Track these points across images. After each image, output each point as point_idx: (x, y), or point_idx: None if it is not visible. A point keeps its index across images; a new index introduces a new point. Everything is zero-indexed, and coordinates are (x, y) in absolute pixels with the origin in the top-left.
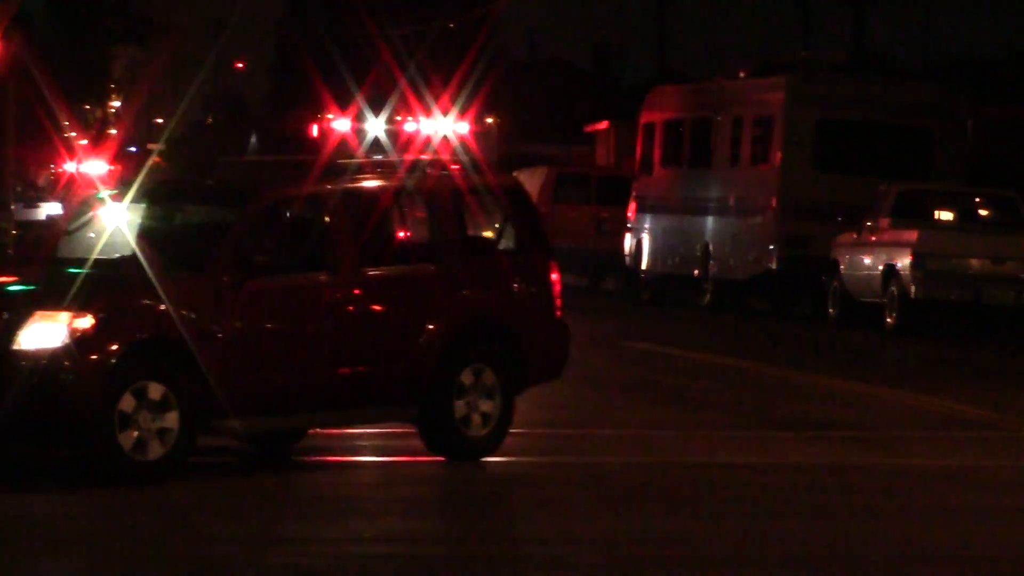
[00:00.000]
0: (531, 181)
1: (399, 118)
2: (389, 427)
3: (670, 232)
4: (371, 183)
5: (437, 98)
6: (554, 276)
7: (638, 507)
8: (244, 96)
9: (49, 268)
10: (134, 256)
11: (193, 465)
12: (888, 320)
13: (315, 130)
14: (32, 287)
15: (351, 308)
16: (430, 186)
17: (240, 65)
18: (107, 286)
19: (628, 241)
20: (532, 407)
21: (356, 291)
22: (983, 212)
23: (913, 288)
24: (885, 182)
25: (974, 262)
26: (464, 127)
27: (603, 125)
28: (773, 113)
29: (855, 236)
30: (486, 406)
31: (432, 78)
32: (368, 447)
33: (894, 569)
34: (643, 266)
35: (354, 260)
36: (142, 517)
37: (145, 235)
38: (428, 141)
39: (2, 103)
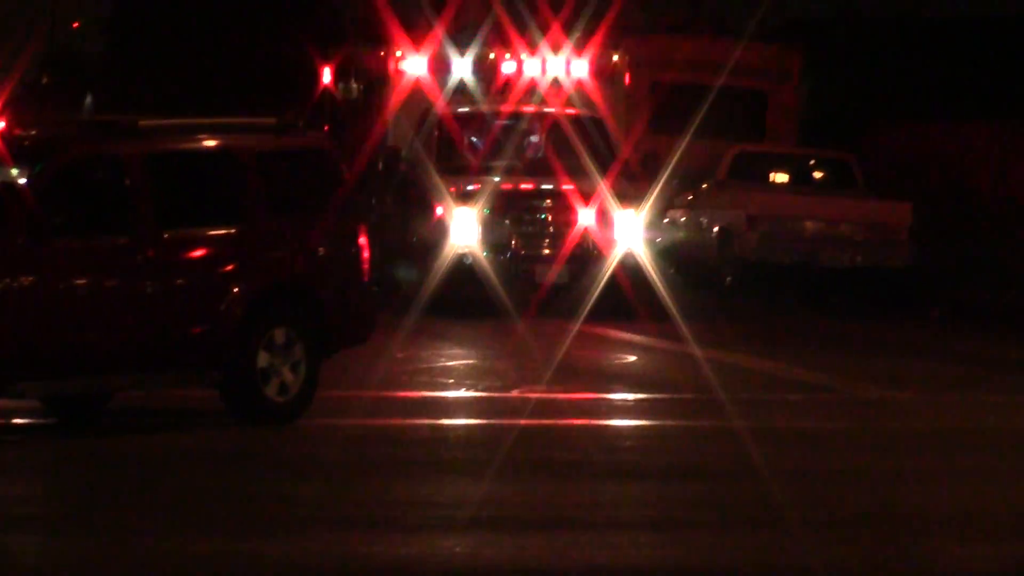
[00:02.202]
0: None
1: (493, 55)
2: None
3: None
4: (171, 145)
5: (544, 27)
6: (362, 240)
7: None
8: (81, 55)
9: None
10: None
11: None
12: (725, 282)
13: (392, 67)
14: None
15: (149, 271)
16: (231, 148)
17: (76, 24)
18: None
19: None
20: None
21: (152, 253)
22: (818, 174)
23: (748, 250)
24: (721, 144)
25: (809, 224)
26: (583, 67)
27: None
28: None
29: (690, 198)
30: (287, 372)
31: None
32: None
33: (754, 530)
34: None
35: (152, 222)
36: None
37: None
38: (533, 86)
39: None
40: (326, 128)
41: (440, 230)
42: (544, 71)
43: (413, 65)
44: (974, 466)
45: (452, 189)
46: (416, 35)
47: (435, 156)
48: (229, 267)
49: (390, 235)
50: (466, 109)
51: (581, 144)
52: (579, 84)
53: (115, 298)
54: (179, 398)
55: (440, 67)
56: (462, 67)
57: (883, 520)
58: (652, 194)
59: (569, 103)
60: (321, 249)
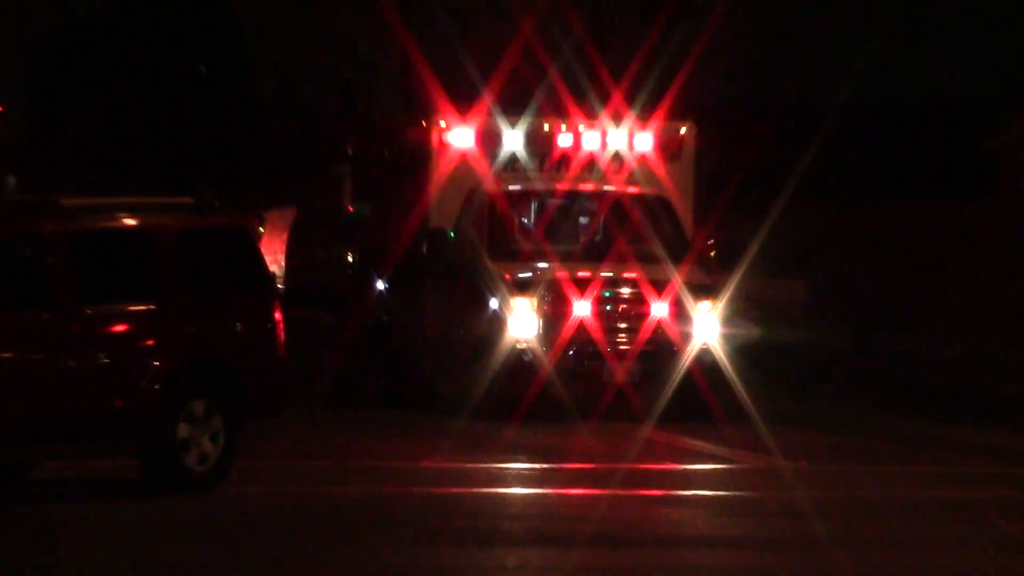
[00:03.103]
0: None
1: (548, 127)
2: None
3: None
4: (91, 224)
5: (604, 95)
6: (277, 316)
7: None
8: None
9: None
10: None
11: None
12: None
13: (436, 139)
14: None
15: (71, 345)
16: (150, 227)
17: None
18: None
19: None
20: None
21: (74, 328)
22: None
23: None
24: None
25: None
26: (647, 140)
27: None
28: None
29: None
30: (206, 443)
31: (598, 63)
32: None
33: None
34: None
35: (73, 299)
36: None
37: None
38: (592, 160)
39: None
40: (350, 208)
41: (496, 323)
42: (604, 145)
43: (459, 137)
44: (873, 534)
45: (507, 277)
46: (462, 103)
47: (486, 240)
48: (148, 342)
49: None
50: (518, 187)
51: (647, 227)
52: (643, 159)
53: (38, 371)
54: (102, 467)
55: (489, 140)
56: (513, 140)
57: None
58: (731, 284)
59: (632, 180)
60: (238, 325)
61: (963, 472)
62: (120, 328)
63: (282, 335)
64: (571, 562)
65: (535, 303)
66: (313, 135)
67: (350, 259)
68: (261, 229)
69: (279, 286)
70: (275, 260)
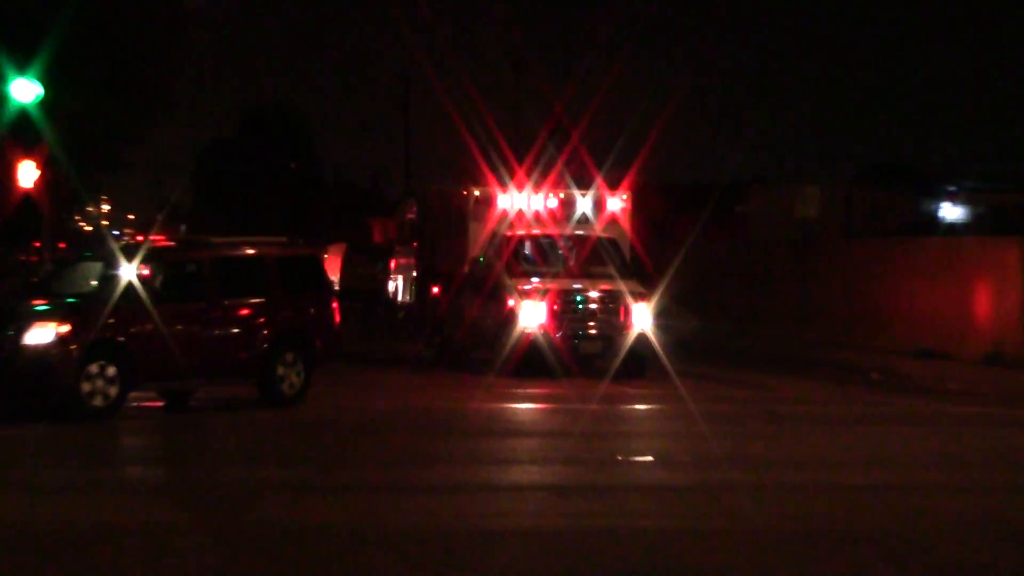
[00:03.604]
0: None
1: (542, 194)
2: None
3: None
4: (228, 252)
5: (578, 174)
6: (334, 305)
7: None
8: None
9: (48, 299)
10: (96, 291)
11: (125, 410)
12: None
13: (466, 204)
14: (39, 309)
15: (216, 322)
16: (262, 254)
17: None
18: (76, 309)
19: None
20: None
21: (218, 312)
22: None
23: None
24: None
25: None
26: (614, 203)
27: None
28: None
29: None
30: (294, 376)
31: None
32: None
33: None
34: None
35: (217, 295)
36: (99, 432)
37: (103, 280)
38: (569, 215)
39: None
40: (415, 244)
41: (512, 316)
42: (574, 207)
43: (487, 199)
44: None
45: (519, 287)
46: (492, 179)
47: (504, 264)
48: (261, 320)
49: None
50: (522, 232)
51: (603, 256)
52: (611, 216)
53: (198, 338)
54: (232, 393)
55: (509, 202)
56: (521, 201)
57: None
58: (656, 293)
59: (593, 228)
60: (311, 309)
61: (740, 396)
62: (245, 312)
63: (337, 315)
64: (529, 446)
65: (536, 303)
66: (351, 203)
67: (377, 272)
68: (325, 255)
69: (335, 288)
70: (333, 273)
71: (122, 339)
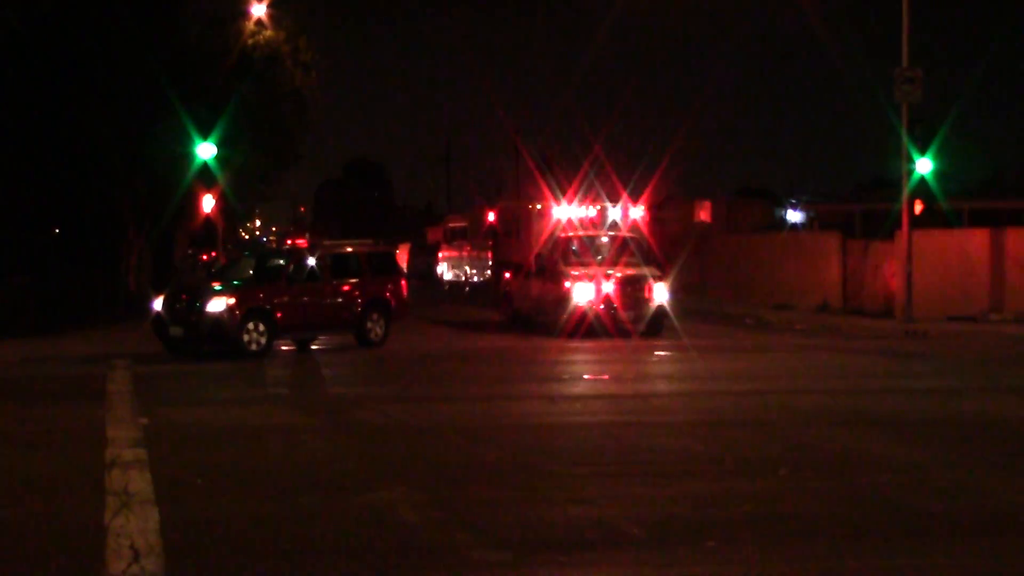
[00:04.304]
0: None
1: (586, 206)
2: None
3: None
4: (336, 250)
5: (609, 192)
6: (403, 283)
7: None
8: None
9: (221, 282)
10: (252, 277)
11: (275, 353)
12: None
13: (530, 215)
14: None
15: (328, 294)
16: (357, 251)
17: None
18: (239, 288)
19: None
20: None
21: (329, 288)
22: None
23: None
24: None
25: None
26: (635, 212)
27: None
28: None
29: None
30: (378, 328)
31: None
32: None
33: None
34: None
35: (329, 277)
36: (254, 367)
37: (259, 269)
38: (604, 220)
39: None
40: (490, 243)
41: (568, 294)
42: (607, 215)
43: (556, 212)
44: None
45: (572, 273)
46: (554, 197)
47: (560, 257)
48: (357, 293)
49: None
50: (572, 234)
51: (633, 251)
52: (634, 222)
53: (315, 306)
54: (338, 341)
55: (561, 212)
56: (568, 212)
57: None
58: (670, 276)
59: (623, 230)
60: (389, 285)
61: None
62: (346, 288)
63: (405, 290)
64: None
65: (585, 285)
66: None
67: (431, 261)
68: (398, 251)
69: (404, 271)
70: (403, 262)
71: (268, 307)
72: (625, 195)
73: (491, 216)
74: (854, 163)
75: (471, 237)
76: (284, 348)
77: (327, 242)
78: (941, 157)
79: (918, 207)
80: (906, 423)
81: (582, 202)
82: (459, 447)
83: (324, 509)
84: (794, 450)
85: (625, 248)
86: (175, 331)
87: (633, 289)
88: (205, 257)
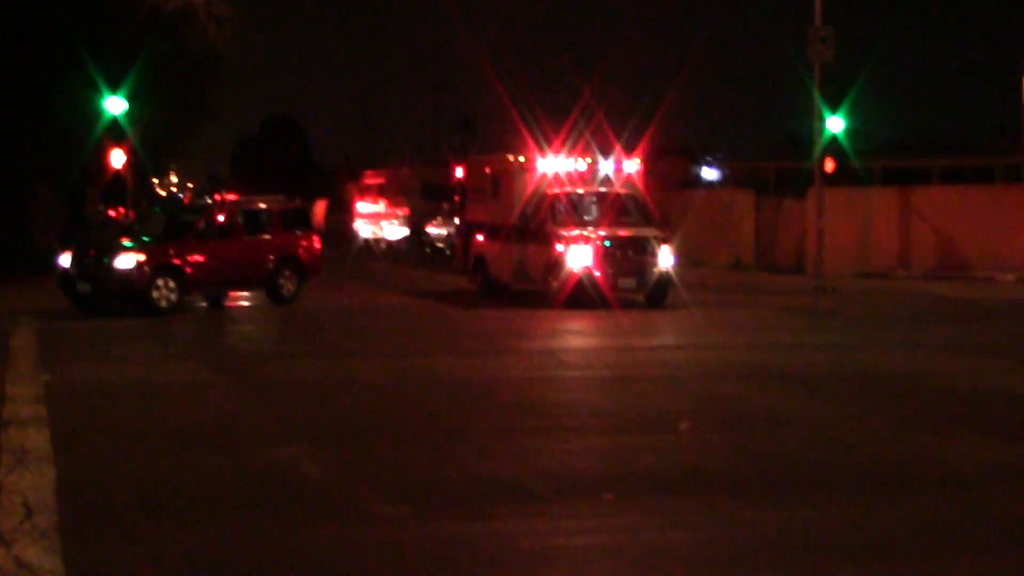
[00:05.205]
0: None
1: (577, 159)
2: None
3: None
4: (249, 205)
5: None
6: (316, 239)
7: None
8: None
9: (131, 238)
10: (162, 233)
11: (186, 309)
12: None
13: (508, 169)
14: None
15: (243, 251)
16: (270, 206)
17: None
18: (148, 244)
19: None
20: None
21: (242, 243)
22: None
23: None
24: None
25: None
26: (629, 165)
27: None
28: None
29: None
30: (290, 285)
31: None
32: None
33: None
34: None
35: (243, 233)
36: (163, 324)
37: (164, 224)
38: (595, 175)
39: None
40: (456, 198)
41: (560, 259)
42: (600, 168)
43: (541, 165)
44: None
45: (565, 235)
46: (540, 148)
47: (549, 217)
48: (268, 250)
49: None
50: (563, 190)
51: (628, 208)
52: (628, 176)
53: (226, 260)
54: (249, 296)
55: (545, 166)
56: (555, 166)
57: None
58: (674, 239)
59: (618, 185)
60: (302, 242)
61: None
62: (258, 245)
63: (318, 247)
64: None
65: (581, 248)
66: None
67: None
68: (314, 207)
69: (319, 229)
70: (319, 219)
71: (178, 263)
72: (618, 146)
73: (459, 171)
74: (770, 121)
75: (389, 193)
76: (198, 305)
77: (243, 198)
78: (853, 115)
79: (830, 165)
80: (811, 378)
81: (569, 154)
82: (367, 404)
83: (226, 466)
84: (699, 405)
85: (621, 206)
86: (83, 287)
87: (635, 252)
88: (113, 214)
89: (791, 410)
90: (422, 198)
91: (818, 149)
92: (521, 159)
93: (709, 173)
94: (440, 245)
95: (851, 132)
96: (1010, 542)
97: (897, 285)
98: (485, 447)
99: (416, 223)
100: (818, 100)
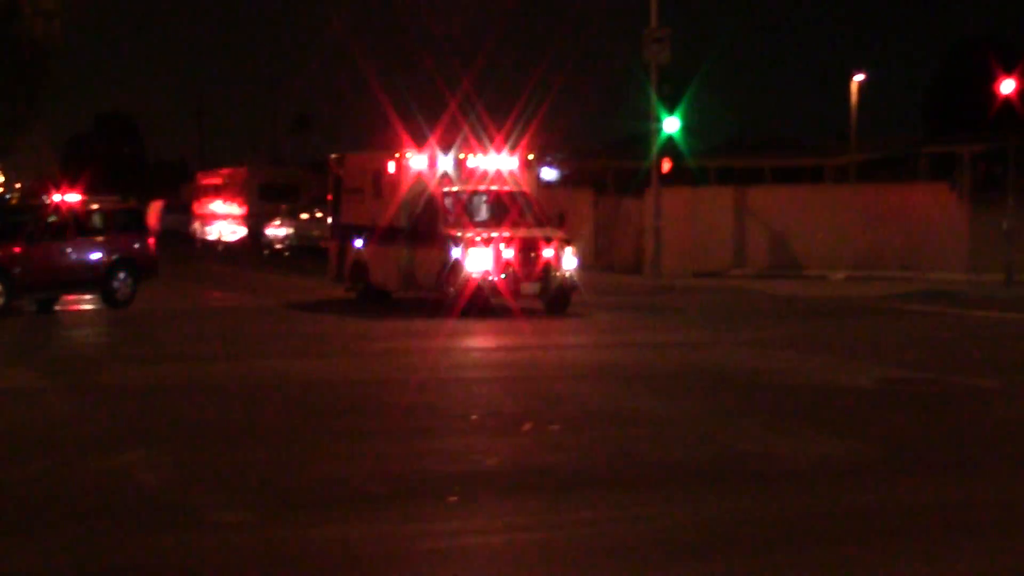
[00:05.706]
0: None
1: (463, 155)
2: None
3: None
4: (77, 207)
5: (491, 137)
6: (151, 240)
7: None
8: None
9: None
10: None
11: (14, 313)
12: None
13: (391, 166)
14: None
15: (75, 250)
16: (105, 208)
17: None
18: None
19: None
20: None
21: (76, 243)
22: None
23: None
24: None
25: None
26: (514, 162)
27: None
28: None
29: None
30: (125, 288)
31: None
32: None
33: None
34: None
35: (78, 233)
36: (8, 328)
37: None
38: (486, 173)
39: None
40: (329, 197)
41: (456, 264)
42: (484, 166)
43: (416, 162)
44: None
45: (461, 237)
46: (417, 142)
47: (440, 217)
48: (104, 249)
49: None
50: (455, 189)
51: (518, 207)
52: (511, 173)
53: (58, 263)
54: (82, 300)
55: (432, 163)
56: (445, 163)
57: None
58: (573, 238)
59: (506, 183)
60: (136, 243)
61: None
62: (91, 246)
63: (153, 248)
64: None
65: (480, 251)
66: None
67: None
68: (149, 208)
69: (154, 229)
70: (154, 220)
71: (5, 265)
72: (503, 142)
73: (334, 169)
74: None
75: (226, 193)
76: (29, 308)
77: (72, 200)
78: (689, 115)
79: (667, 165)
80: (651, 376)
81: (450, 151)
82: (207, 408)
83: (59, 473)
84: (541, 405)
85: (516, 205)
86: None
87: (537, 255)
88: None
89: (634, 408)
90: (260, 199)
91: (655, 149)
92: (409, 155)
93: (548, 173)
94: (279, 247)
95: (689, 132)
96: (847, 534)
97: (732, 284)
98: (328, 449)
99: (254, 224)
100: (654, 101)
